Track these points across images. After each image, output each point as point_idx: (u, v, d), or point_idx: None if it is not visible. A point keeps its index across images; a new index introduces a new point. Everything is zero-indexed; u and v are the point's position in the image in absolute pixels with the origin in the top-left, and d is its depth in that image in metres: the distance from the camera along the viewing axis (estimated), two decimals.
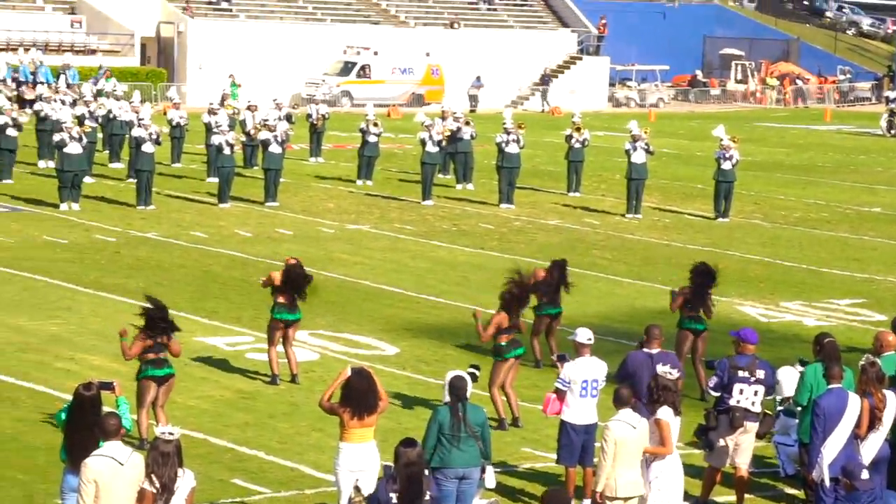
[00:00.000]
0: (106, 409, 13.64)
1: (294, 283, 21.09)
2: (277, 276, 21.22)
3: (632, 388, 15.70)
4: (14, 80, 59.27)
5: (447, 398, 15.28)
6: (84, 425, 13.48)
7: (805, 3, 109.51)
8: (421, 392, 20.79)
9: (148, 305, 17.80)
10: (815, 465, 15.02)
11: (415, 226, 36.28)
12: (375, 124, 43.24)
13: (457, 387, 14.89)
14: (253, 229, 34.39)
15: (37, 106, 45.78)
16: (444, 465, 14.68)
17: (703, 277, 21.60)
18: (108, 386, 14.44)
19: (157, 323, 17.60)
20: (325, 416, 15.82)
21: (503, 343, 19.45)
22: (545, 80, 77.40)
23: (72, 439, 13.62)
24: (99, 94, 48.21)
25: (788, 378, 18.17)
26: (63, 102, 42.99)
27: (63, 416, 14.00)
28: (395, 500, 12.86)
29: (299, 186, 41.72)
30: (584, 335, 16.89)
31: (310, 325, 23.56)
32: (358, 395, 14.59)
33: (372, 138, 43.07)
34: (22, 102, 55.32)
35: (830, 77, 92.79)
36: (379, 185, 42.89)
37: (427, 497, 12.99)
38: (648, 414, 15.10)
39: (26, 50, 62.52)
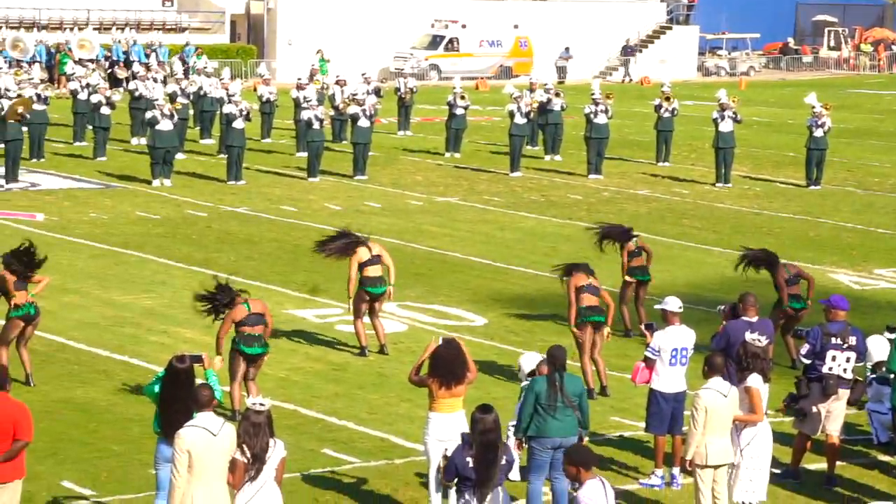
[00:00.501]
0: (198, 381, 13.79)
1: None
2: (364, 253, 21.28)
3: (727, 356, 15.64)
4: (107, 59, 59.75)
5: (525, 375, 15.35)
6: (177, 397, 13.63)
7: None
8: (509, 362, 20.80)
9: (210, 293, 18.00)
10: None
11: (503, 197, 36.26)
12: (463, 97, 43.25)
13: (555, 356, 14.91)
14: (342, 203, 34.51)
15: (130, 84, 46.17)
16: (540, 435, 14.72)
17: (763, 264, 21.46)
18: (198, 359, 14.58)
19: (219, 307, 17.87)
20: (413, 389, 15.89)
21: (582, 306, 19.37)
22: (627, 51, 76.94)
23: (165, 411, 13.78)
24: (188, 71, 48.52)
25: (878, 346, 18.04)
26: (155, 80, 43.33)
27: (155, 388, 14.13)
28: (471, 465, 12.90)
29: (388, 160, 41.80)
30: (674, 304, 16.83)
31: (399, 297, 23.62)
32: (447, 366, 14.64)
33: (459, 111, 43.08)
34: (115, 81, 55.77)
35: None
36: (467, 158, 42.89)
37: (503, 462, 13.03)
38: (738, 381, 15.05)
39: (119, 29, 63.04)
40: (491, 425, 12.95)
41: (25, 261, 19.28)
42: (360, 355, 21.20)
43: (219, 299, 18.01)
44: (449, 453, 14.38)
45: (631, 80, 74.66)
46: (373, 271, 21.25)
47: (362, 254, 21.28)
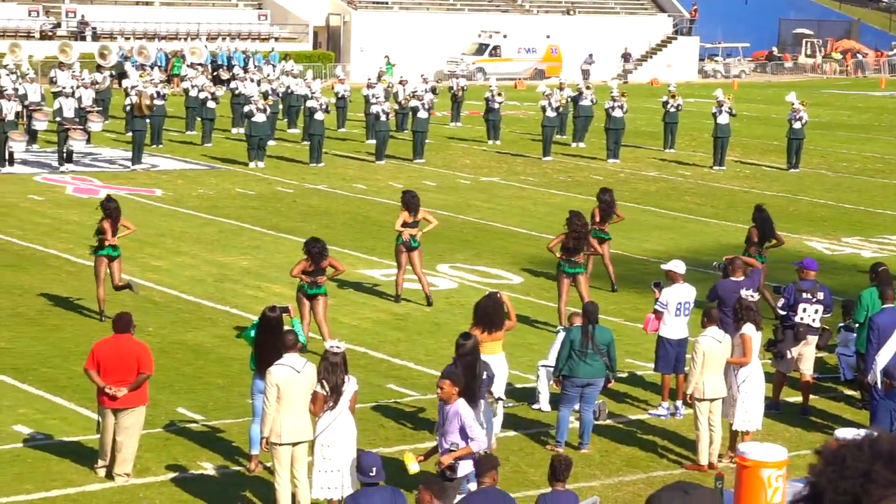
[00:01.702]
0: (286, 328, 13.79)
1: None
2: (406, 216, 21.19)
3: (720, 309, 15.67)
4: (212, 63, 59.82)
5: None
6: (269, 341, 13.63)
7: None
8: (541, 314, 20.73)
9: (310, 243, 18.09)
10: (870, 371, 14.80)
11: (536, 177, 36.11)
12: (499, 94, 43.07)
13: (589, 311, 14.92)
14: (403, 181, 34.42)
15: (231, 84, 46.20)
16: (572, 375, 14.72)
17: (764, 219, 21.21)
18: (286, 309, 14.58)
19: (317, 256, 17.90)
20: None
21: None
22: (626, 58, 76.31)
23: (259, 352, 13.78)
24: (274, 74, 48.45)
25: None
26: (251, 80, 43.33)
27: (251, 333, 14.14)
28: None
29: (441, 146, 41.70)
30: (679, 266, 16.74)
31: (450, 259, 23.60)
32: (488, 315, 14.60)
33: (495, 105, 42.92)
34: (219, 81, 55.83)
35: (885, 51, 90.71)
36: (507, 145, 42.74)
37: (485, 377, 13.20)
38: (734, 331, 14.96)
39: (223, 39, 63.11)
40: (469, 349, 13.06)
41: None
42: (394, 301, 21.13)
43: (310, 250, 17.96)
44: (492, 388, 14.37)
45: (626, 81, 73.84)
46: (406, 232, 21.09)
47: (404, 216, 21.18)
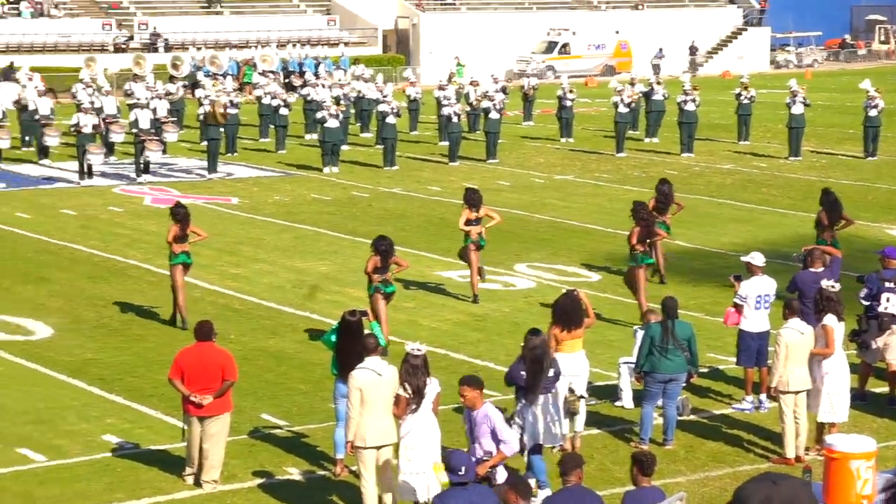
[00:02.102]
0: (366, 331, 13.84)
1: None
2: (468, 213, 21.28)
3: (800, 300, 15.53)
4: (284, 70, 60.18)
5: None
6: (349, 344, 13.68)
7: None
8: (619, 311, 20.65)
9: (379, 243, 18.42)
10: None
11: (611, 174, 35.98)
12: (571, 91, 42.95)
13: (668, 306, 14.87)
14: (478, 182, 34.39)
15: (303, 91, 46.45)
16: (654, 370, 14.67)
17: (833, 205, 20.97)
18: (365, 313, 14.64)
19: (384, 253, 18.25)
20: None
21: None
22: (692, 51, 75.59)
23: (341, 355, 13.83)
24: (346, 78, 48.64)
25: None
26: (323, 86, 43.55)
27: (332, 337, 14.17)
28: (523, 374, 13.23)
29: (514, 146, 41.66)
30: (758, 258, 16.63)
31: (527, 259, 23.58)
32: (567, 313, 14.57)
33: (568, 103, 42.80)
34: (291, 88, 56.15)
35: None
36: (580, 142, 42.62)
37: (551, 374, 13.27)
38: (816, 322, 14.83)
39: (293, 46, 63.47)
40: (538, 343, 13.21)
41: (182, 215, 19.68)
42: (472, 302, 21.29)
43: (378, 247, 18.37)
44: (573, 386, 14.35)
45: (695, 74, 73.15)
46: (473, 231, 21.23)
47: (467, 214, 21.28)
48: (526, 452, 13.35)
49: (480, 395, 12.01)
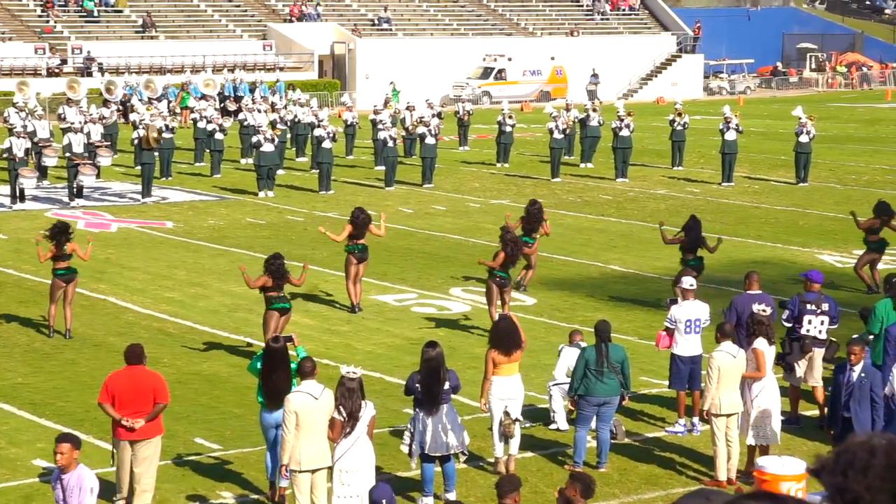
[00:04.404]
0: (294, 355, 13.79)
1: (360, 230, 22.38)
2: (349, 228, 22.13)
3: (737, 323, 15.69)
4: (219, 95, 59.95)
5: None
6: (275, 371, 13.60)
7: (867, 2, 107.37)
8: (555, 334, 20.72)
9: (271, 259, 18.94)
10: (887, 382, 14.75)
11: (546, 199, 35.96)
12: (510, 117, 43.13)
13: (601, 329, 14.92)
14: (413, 206, 34.51)
15: (240, 115, 46.31)
16: (588, 394, 14.71)
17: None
18: (289, 339, 14.60)
19: (276, 271, 18.68)
20: (478, 357, 15.87)
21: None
22: (593, 79, 75.41)
23: (266, 383, 13.73)
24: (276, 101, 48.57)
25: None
26: (259, 111, 43.45)
27: (257, 364, 14.03)
28: (419, 388, 13.50)
29: (450, 170, 41.76)
30: (687, 282, 16.75)
31: (462, 283, 23.57)
32: (505, 337, 14.63)
33: (507, 128, 42.98)
34: (226, 112, 55.94)
35: (890, 63, 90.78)
36: (515, 167, 42.79)
37: (446, 386, 13.54)
38: (747, 345, 14.96)
39: (229, 70, 63.29)
40: (433, 356, 13.56)
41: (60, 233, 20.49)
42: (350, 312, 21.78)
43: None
44: (509, 409, 14.40)
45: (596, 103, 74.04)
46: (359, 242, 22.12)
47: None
48: (416, 460, 13.47)
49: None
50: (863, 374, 14.04)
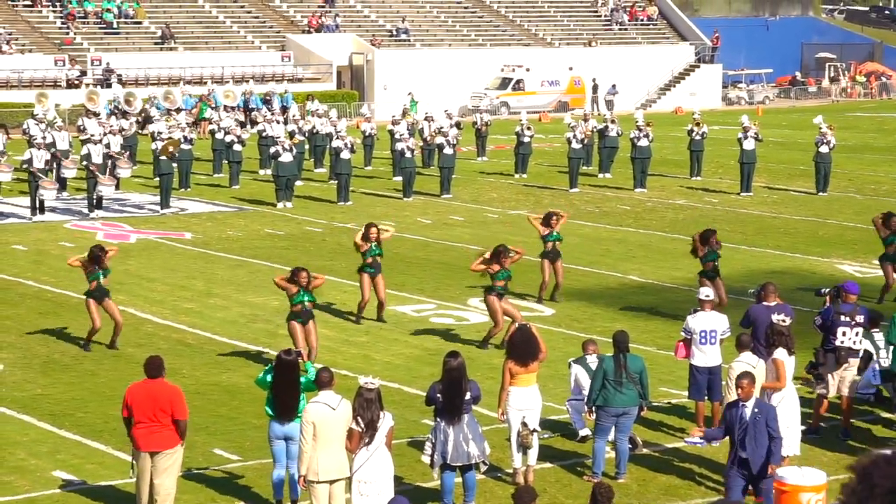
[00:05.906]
0: (320, 366, 13.79)
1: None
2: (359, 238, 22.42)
3: (753, 334, 15.64)
4: (245, 106, 60.04)
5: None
6: (286, 384, 13.56)
7: (886, 12, 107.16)
8: (573, 345, 20.68)
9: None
10: None
11: (564, 209, 36.03)
12: (529, 128, 43.14)
13: (619, 340, 14.90)
14: (431, 217, 34.54)
15: (258, 126, 46.41)
16: (606, 405, 14.68)
17: None
18: (300, 353, 14.58)
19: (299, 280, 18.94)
20: (495, 368, 15.86)
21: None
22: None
23: (277, 395, 13.67)
24: (285, 111, 48.72)
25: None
26: (277, 122, 43.54)
27: (268, 377, 13.88)
28: (440, 398, 13.44)
29: (468, 181, 41.78)
30: (704, 293, 16.74)
31: (480, 293, 23.53)
32: (521, 347, 14.61)
33: (526, 139, 42.99)
34: (244, 124, 56.04)
35: None
36: (533, 177, 42.79)
37: (467, 397, 13.47)
38: (766, 355, 14.92)
39: (247, 81, 63.44)
40: (455, 366, 13.50)
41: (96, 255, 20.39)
42: (356, 322, 22.17)
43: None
44: (526, 420, 14.38)
45: (592, 112, 74.05)
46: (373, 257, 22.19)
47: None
48: (437, 470, 13.44)
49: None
50: (756, 410, 13.07)
